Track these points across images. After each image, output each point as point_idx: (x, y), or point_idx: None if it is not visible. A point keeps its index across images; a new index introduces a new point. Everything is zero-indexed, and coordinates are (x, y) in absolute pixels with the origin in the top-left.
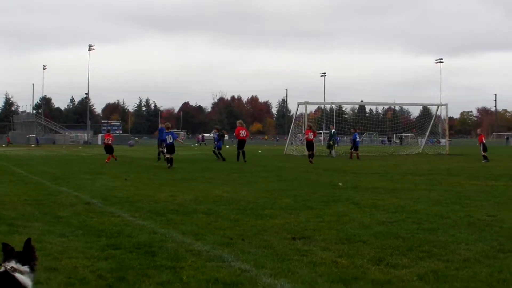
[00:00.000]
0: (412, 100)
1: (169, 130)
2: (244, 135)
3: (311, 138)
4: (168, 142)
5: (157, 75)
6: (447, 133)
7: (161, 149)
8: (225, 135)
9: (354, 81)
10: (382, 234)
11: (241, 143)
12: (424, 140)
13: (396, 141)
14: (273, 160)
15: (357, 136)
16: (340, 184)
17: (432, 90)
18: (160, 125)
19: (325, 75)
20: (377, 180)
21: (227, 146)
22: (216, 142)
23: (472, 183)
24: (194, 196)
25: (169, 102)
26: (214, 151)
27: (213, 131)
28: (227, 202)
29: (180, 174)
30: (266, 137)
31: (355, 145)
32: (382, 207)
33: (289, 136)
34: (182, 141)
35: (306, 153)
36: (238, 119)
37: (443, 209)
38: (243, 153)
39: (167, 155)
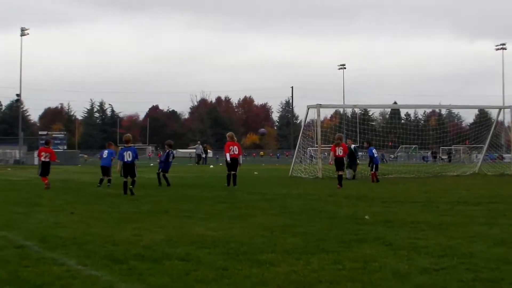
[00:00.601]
0: (464, 101)
1: (129, 145)
2: (236, 152)
3: (341, 154)
4: (126, 160)
5: (115, 70)
6: None
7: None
8: (209, 150)
9: (385, 76)
10: (426, 287)
11: (233, 163)
12: (481, 156)
13: (443, 157)
14: (275, 184)
15: (374, 151)
16: (366, 217)
17: (492, 87)
18: (108, 146)
19: (345, 68)
20: (418, 212)
21: (211, 166)
22: (163, 162)
23: None
24: (167, 235)
25: (131, 106)
26: (158, 173)
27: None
28: (211, 244)
29: (146, 205)
30: (262, 153)
31: (374, 163)
32: (425, 249)
33: (295, 152)
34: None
35: (319, 174)
36: (225, 128)
37: (509, 252)
38: (234, 176)
39: (125, 179)
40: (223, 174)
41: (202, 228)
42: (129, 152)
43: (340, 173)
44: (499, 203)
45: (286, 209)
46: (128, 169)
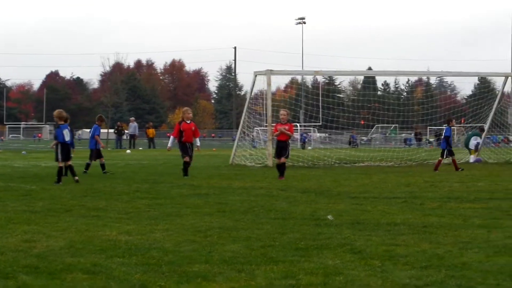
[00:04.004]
0: (460, 67)
1: (64, 122)
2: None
3: (284, 136)
4: (66, 140)
5: None
6: None
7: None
8: (126, 131)
9: (356, 34)
10: None
11: (183, 146)
12: (481, 139)
13: (431, 140)
14: (211, 175)
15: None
16: (329, 217)
17: (496, 49)
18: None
19: (304, 23)
20: (396, 210)
21: (128, 151)
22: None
23: None
24: (68, 240)
25: (22, 72)
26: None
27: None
28: (126, 252)
29: (41, 202)
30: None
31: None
32: (404, 258)
33: (239, 132)
34: None
35: (269, 162)
36: (146, 101)
37: None
38: (186, 165)
39: (62, 163)
40: (143, 162)
41: (115, 232)
42: (66, 130)
43: (280, 160)
44: (502, 200)
45: (226, 206)
46: (68, 151)
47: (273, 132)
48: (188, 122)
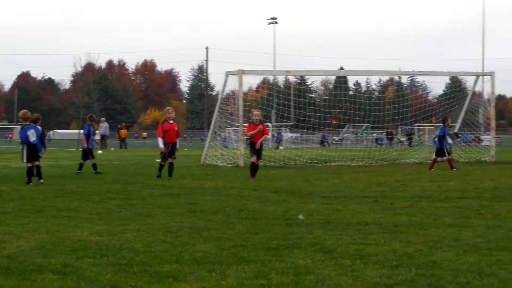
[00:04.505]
0: (431, 67)
1: (29, 123)
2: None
3: (260, 136)
4: (32, 141)
5: None
6: (493, 124)
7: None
8: (97, 131)
9: (328, 35)
10: None
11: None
12: (452, 139)
13: (402, 139)
14: (182, 175)
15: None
16: (300, 217)
17: (468, 48)
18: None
19: (276, 23)
20: (367, 210)
21: (100, 152)
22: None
23: None
24: (39, 241)
25: None
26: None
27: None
28: (97, 252)
29: (12, 203)
30: (144, 134)
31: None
32: (375, 257)
33: (210, 132)
34: None
35: (240, 162)
36: (117, 102)
37: (484, 261)
38: (171, 166)
39: (30, 164)
40: (114, 162)
41: (86, 232)
42: (31, 130)
43: (255, 160)
44: (473, 199)
45: (197, 207)
46: (35, 151)
47: (244, 132)
48: (171, 122)
